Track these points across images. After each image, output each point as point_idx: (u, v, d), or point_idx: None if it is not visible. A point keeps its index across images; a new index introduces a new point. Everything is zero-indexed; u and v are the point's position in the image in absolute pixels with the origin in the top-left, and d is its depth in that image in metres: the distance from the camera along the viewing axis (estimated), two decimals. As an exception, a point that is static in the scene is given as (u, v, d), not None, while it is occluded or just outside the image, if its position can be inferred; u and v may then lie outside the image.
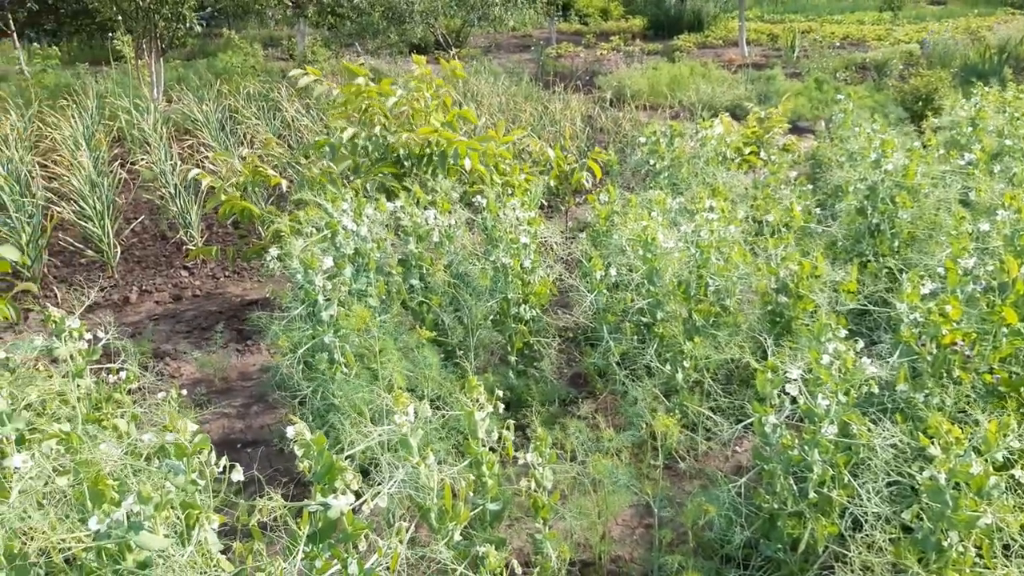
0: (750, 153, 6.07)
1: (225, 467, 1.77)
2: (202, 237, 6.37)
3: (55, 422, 2.54)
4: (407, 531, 2.19)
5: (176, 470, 1.64)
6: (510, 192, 4.67)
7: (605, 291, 3.73)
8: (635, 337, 3.70)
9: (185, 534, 1.68)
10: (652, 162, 5.44)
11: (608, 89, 11.28)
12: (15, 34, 13.41)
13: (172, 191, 6.20)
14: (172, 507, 1.62)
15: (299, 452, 1.87)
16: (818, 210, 4.67)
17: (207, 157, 7.04)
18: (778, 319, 3.71)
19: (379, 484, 2.13)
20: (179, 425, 1.72)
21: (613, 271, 3.70)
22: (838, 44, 16.56)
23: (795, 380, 2.53)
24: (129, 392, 3.19)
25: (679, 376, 3.54)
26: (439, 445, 2.84)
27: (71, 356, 2.90)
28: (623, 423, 3.55)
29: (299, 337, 3.46)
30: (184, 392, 3.18)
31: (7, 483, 2.09)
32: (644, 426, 3.22)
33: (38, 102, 8.66)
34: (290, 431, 1.93)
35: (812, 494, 2.60)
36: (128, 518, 1.55)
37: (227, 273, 5.91)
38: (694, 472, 3.51)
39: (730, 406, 3.26)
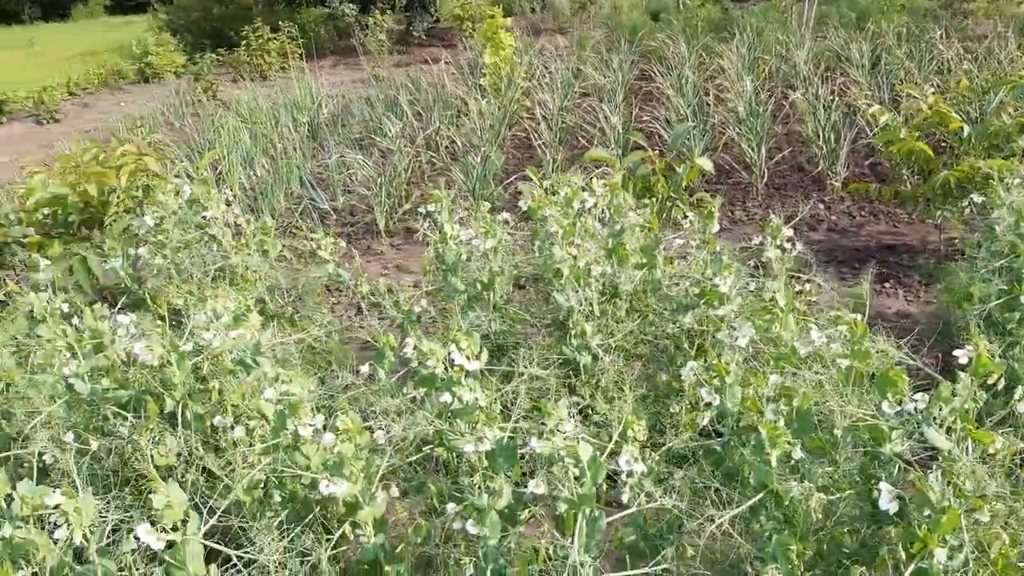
0: None
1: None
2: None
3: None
4: None
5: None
6: None
7: None
8: None
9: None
10: None
11: None
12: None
13: (822, 124, 6.32)
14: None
15: None
16: None
17: (855, 95, 6.99)
18: None
19: None
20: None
21: None
22: None
23: None
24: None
25: None
26: None
27: (776, 260, 3.24)
28: None
29: (988, 291, 3.24)
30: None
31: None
32: None
33: (703, 34, 9.60)
34: None
35: None
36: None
37: (863, 213, 5.86)
38: None
39: None
